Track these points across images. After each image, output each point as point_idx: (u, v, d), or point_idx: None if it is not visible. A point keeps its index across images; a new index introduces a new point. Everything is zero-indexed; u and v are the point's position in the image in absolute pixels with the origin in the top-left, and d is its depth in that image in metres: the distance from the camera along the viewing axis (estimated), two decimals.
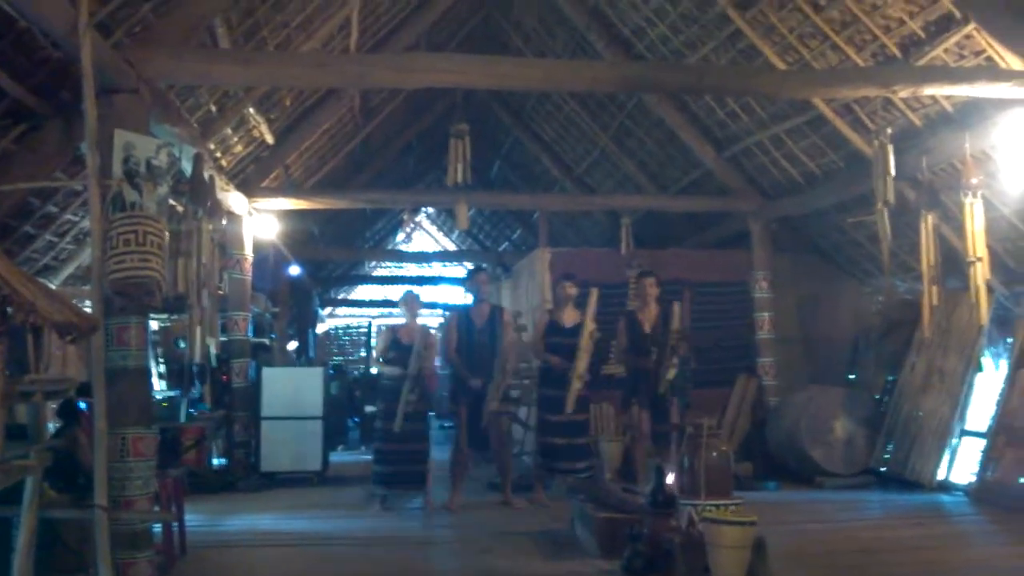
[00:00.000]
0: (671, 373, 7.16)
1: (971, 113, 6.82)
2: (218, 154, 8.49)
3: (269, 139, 9.04)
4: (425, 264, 21.76)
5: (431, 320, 7.94)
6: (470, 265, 15.00)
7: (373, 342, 16.67)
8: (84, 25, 4.37)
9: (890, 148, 6.49)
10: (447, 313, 8.38)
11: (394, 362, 7.51)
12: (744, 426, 9.67)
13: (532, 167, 15.34)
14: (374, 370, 8.05)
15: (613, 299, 8.14)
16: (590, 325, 7.31)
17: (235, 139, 8.76)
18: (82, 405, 5.54)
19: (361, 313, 23.35)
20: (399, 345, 7.56)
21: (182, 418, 8.81)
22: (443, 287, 20.46)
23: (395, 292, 7.92)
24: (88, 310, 4.66)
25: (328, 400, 9.66)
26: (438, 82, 6.31)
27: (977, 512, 7.20)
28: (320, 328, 19.98)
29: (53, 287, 7.33)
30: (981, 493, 7.45)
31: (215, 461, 9.40)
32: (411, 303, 7.85)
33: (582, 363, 7.24)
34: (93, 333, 4.21)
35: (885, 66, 6.94)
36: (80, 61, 4.44)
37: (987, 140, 6.69)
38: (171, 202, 5.53)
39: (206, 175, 6.23)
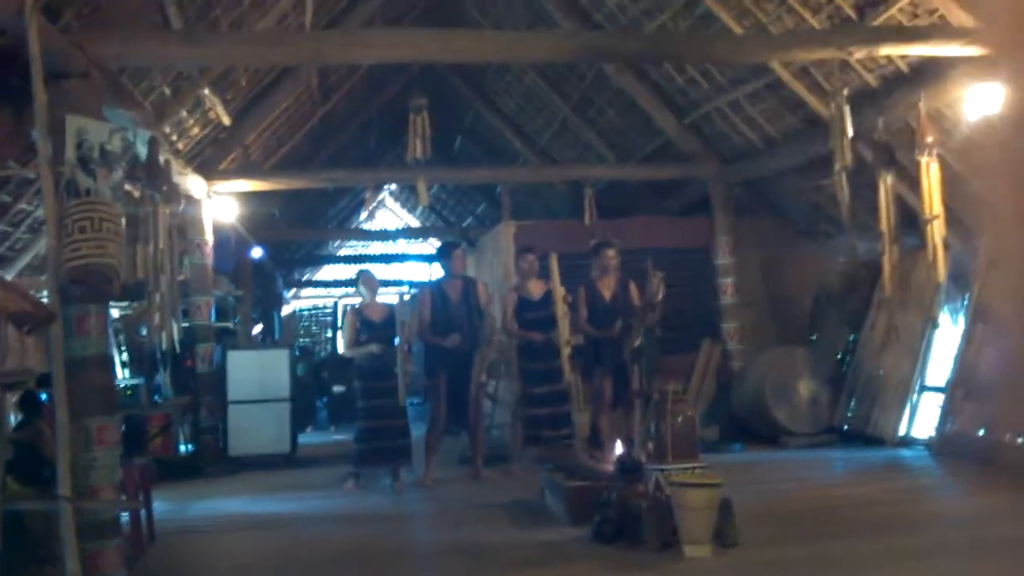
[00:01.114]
0: (637, 341, 7.21)
1: (926, 72, 6.87)
2: (174, 137, 8.36)
3: (226, 120, 8.90)
4: (390, 241, 21.63)
5: (391, 298, 7.80)
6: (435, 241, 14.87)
7: (340, 322, 16.45)
8: (30, 8, 4.24)
9: (847, 109, 6.51)
10: (418, 290, 8.30)
11: (370, 341, 7.41)
12: (710, 390, 9.79)
13: (494, 140, 15.27)
14: (350, 355, 7.89)
15: (578, 269, 8.15)
16: (560, 290, 7.35)
17: (191, 121, 8.62)
18: (43, 396, 5.48)
19: (327, 293, 23.20)
20: (370, 325, 7.50)
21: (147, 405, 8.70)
22: (408, 264, 20.33)
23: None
24: (46, 300, 4.59)
25: (295, 382, 9.63)
26: (395, 57, 6.27)
27: (938, 465, 7.36)
28: (285, 310, 19.83)
29: (9, 278, 7.21)
30: (941, 446, 7.60)
31: (182, 447, 9.32)
32: (369, 281, 7.78)
33: (566, 330, 7.30)
34: (50, 323, 4.16)
35: (840, 28, 6.96)
36: (27, 46, 4.33)
37: (943, 98, 6.75)
38: (127, 187, 5.45)
39: (162, 159, 6.16)
